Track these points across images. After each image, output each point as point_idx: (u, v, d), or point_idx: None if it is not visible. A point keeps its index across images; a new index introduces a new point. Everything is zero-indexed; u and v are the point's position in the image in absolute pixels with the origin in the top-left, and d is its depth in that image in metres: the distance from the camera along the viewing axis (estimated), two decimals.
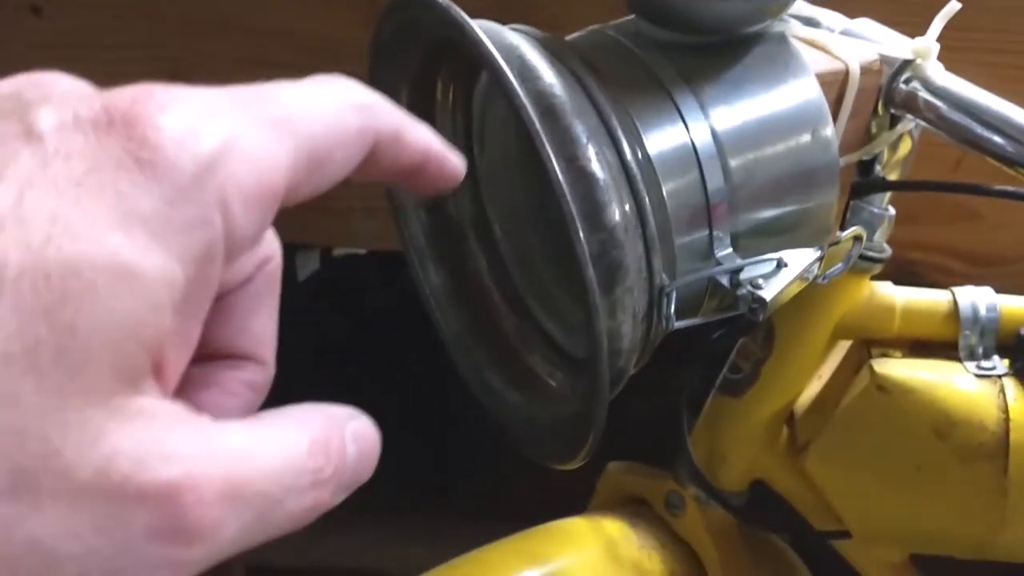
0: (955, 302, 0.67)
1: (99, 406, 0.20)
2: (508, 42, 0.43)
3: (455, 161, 0.29)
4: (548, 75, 0.42)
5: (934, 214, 0.87)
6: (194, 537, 0.21)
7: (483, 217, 0.55)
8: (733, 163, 0.45)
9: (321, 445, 0.24)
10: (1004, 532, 0.63)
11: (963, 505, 0.63)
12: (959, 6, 0.54)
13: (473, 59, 0.43)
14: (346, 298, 1.38)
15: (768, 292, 0.44)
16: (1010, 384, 0.64)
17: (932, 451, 0.63)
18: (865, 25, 0.57)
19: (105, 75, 0.26)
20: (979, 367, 0.65)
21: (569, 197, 0.39)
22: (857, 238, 0.48)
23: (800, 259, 0.45)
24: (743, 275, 0.45)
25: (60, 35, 0.91)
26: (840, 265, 0.48)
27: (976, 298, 0.67)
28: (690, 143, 0.45)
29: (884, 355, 0.66)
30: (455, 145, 0.53)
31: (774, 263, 0.45)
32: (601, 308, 0.39)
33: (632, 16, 0.50)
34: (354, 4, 0.90)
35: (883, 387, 0.63)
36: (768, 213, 0.47)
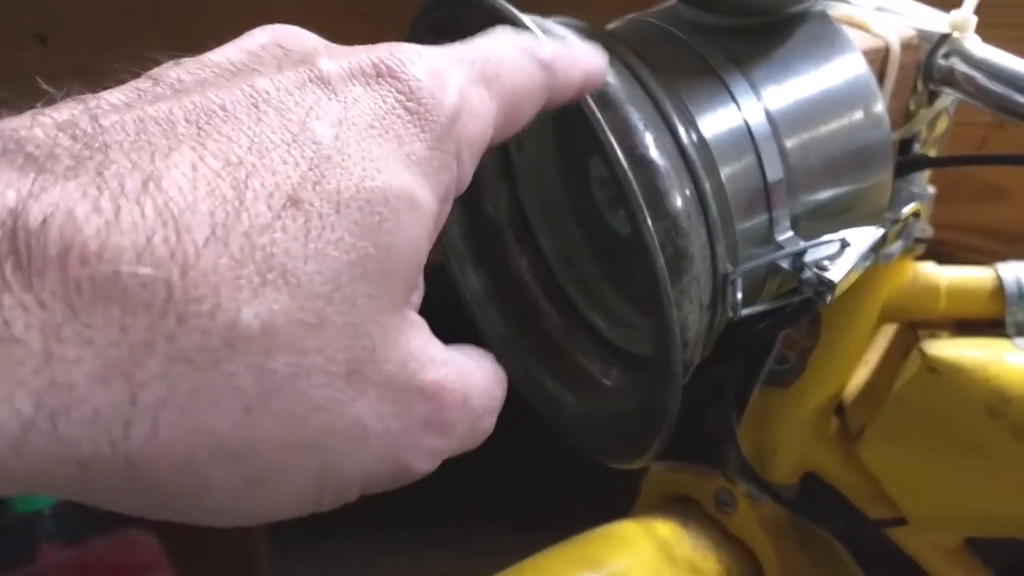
0: (999, 279, 0.66)
1: (396, 313, 0.24)
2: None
3: (601, 74, 0.34)
4: None
5: (961, 193, 0.86)
6: (447, 431, 0.26)
7: (521, 215, 0.54)
8: (789, 144, 0.44)
9: (496, 377, 0.29)
10: None
11: (1023, 483, 0.62)
12: None
13: None
14: None
15: (835, 273, 0.43)
16: None
17: (988, 430, 0.62)
18: (897, 0, 0.56)
19: None
20: None
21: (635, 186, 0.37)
22: (915, 215, 0.47)
23: (863, 238, 0.44)
24: (807, 258, 0.44)
25: (67, 62, 0.89)
26: (900, 243, 0.48)
27: (1020, 273, 0.66)
28: (745, 125, 0.44)
29: (931, 336, 0.65)
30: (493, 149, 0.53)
31: (837, 244, 0.44)
32: (672, 299, 0.38)
33: (670, 3, 0.49)
34: (362, 12, 0.89)
35: (935, 369, 0.62)
36: (825, 194, 0.46)
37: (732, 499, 0.70)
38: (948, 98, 0.56)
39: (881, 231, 0.45)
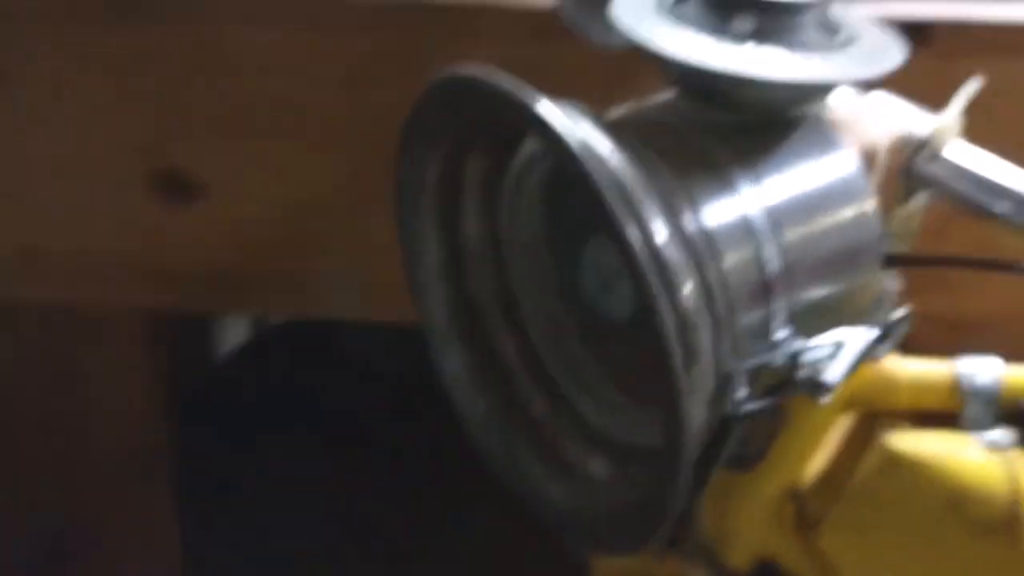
0: (957, 375, 0.67)
1: None
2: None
3: None
4: (615, 156, 0.41)
5: (907, 282, 0.88)
6: None
7: (509, 295, 0.54)
8: (788, 238, 0.45)
9: None
10: None
11: None
12: (979, 85, 0.55)
13: (543, 144, 0.42)
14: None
15: (831, 375, 0.43)
16: (1018, 456, 0.64)
17: (947, 525, 0.62)
18: (881, 99, 0.57)
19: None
20: (985, 438, 0.65)
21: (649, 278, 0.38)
22: (904, 316, 0.48)
23: (857, 339, 0.45)
24: (803, 357, 0.44)
25: None
26: (888, 343, 0.48)
27: (976, 370, 0.67)
28: (746, 219, 0.44)
29: (891, 427, 0.66)
30: (481, 223, 0.52)
31: (833, 345, 0.44)
32: (686, 394, 0.38)
33: (669, 96, 0.50)
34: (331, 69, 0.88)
35: (895, 462, 0.63)
36: (820, 291, 0.46)
37: None
38: (923, 197, 0.57)
39: (875, 332, 0.45)
